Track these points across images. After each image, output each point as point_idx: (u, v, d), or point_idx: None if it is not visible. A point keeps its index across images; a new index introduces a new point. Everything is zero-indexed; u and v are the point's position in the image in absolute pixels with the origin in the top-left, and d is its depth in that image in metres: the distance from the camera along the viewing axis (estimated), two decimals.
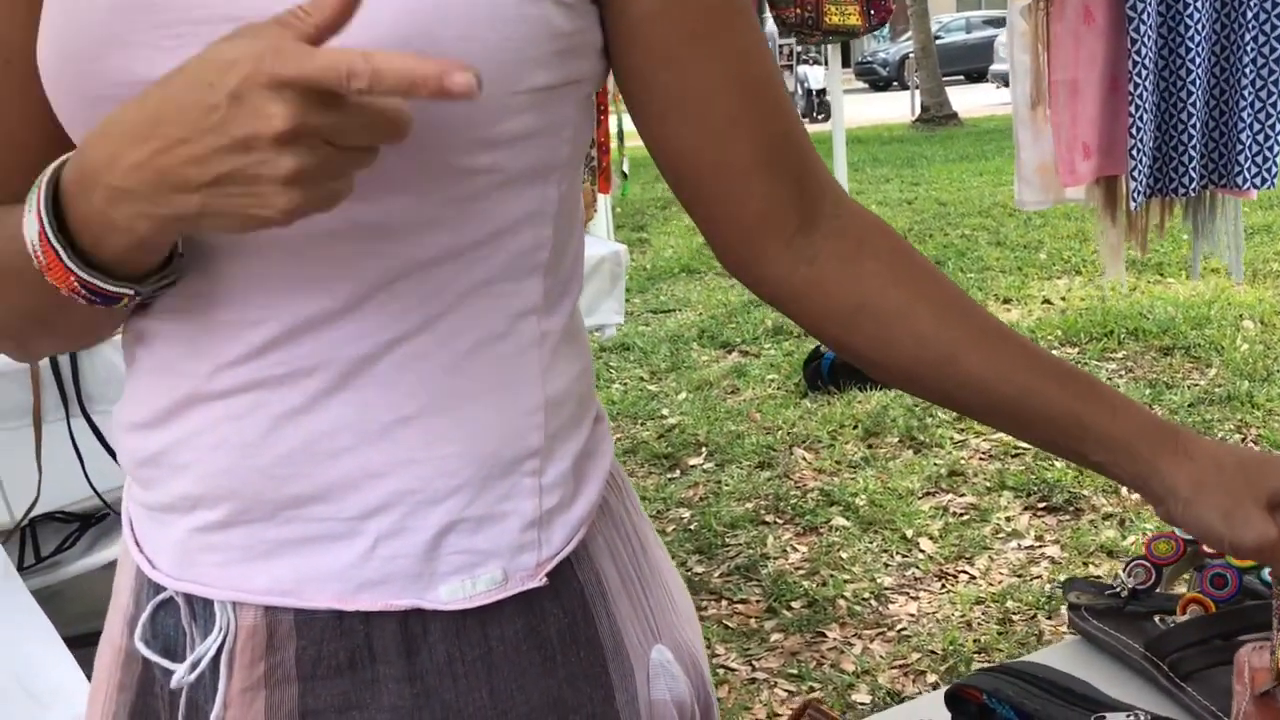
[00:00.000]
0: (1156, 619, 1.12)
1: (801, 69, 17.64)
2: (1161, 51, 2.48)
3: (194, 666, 0.66)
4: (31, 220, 0.56)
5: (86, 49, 0.61)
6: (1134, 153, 2.53)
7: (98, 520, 2.78)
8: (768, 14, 4.30)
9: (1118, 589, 1.17)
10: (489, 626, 0.65)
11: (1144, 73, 2.47)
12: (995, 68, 18.44)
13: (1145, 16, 2.44)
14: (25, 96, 0.66)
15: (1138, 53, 2.46)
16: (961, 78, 22.63)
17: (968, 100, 17.13)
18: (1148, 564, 1.16)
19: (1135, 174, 2.55)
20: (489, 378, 0.65)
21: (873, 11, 4.19)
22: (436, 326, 0.63)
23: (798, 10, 4.02)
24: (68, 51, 0.62)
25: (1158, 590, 1.16)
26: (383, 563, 0.63)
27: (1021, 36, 2.57)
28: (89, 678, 1.84)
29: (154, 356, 0.66)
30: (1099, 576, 2.89)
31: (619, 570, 0.72)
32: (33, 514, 2.43)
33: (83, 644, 2.00)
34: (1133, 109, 2.50)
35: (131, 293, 0.58)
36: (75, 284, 0.56)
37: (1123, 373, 4.33)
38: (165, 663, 0.67)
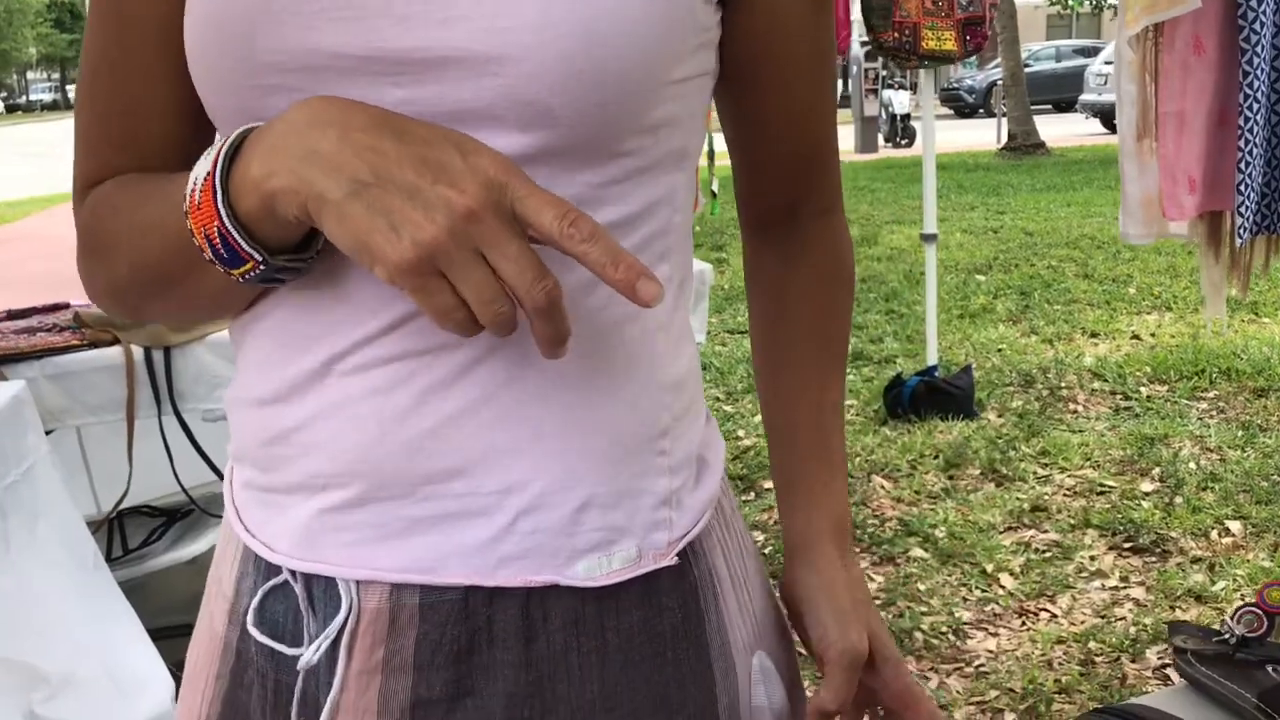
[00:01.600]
0: (1269, 669, 1.08)
1: (886, 94, 17.51)
2: (1276, 85, 2.41)
3: (318, 648, 0.65)
4: (206, 160, 0.58)
5: (247, 19, 0.61)
6: (1241, 188, 2.47)
7: (183, 515, 2.83)
8: (856, 36, 4.27)
9: (1225, 635, 1.13)
10: (606, 617, 0.66)
11: (1255, 106, 2.41)
12: (1085, 98, 18.13)
13: (1260, 49, 2.38)
14: (170, 67, 0.67)
15: (1250, 85, 2.40)
16: (1050, 107, 22.29)
17: (1056, 130, 16.86)
18: (1259, 611, 1.12)
19: (1242, 210, 2.48)
20: (621, 358, 0.66)
21: (968, 38, 4.14)
22: (575, 307, 0.63)
23: (895, 35, 3.99)
24: (228, 18, 0.62)
25: (1269, 639, 1.12)
26: (522, 538, 0.64)
27: (1129, 66, 2.52)
28: (170, 671, 1.87)
29: (284, 330, 0.66)
30: (1186, 621, 2.81)
31: (729, 568, 0.73)
32: (121, 507, 2.48)
33: (164, 636, 2.04)
34: (1242, 143, 2.44)
35: (260, 259, 0.59)
36: (215, 229, 0.58)
37: (1214, 413, 4.21)
38: (280, 646, 0.67)
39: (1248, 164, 2.45)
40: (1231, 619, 1.10)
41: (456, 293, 0.54)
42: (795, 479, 0.81)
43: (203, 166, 0.58)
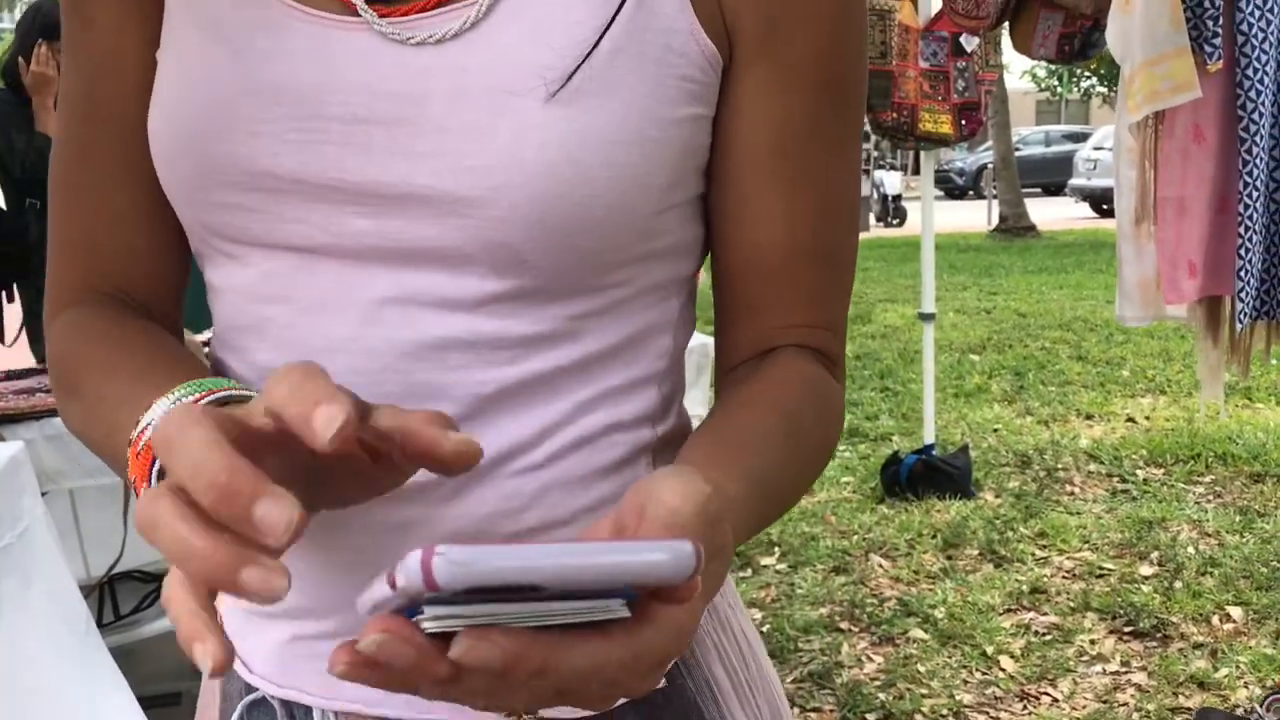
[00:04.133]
0: None
1: (878, 174, 17.76)
2: (1274, 173, 2.45)
3: None
4: (161, 406, 0.53)
5: (208, 131, 0.59)
6: (1241, 274, 2.49)
7: None
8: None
9: None
10: None
11: (1255, 194, 2.44)
12: (1074, 182, 18.38)
13: (1259, 138, 2.42)
14: (133, 172, 0.65)
15: (1249, 173, 2.43)
16: (1039, 190, 22.58)
17: (1046, 213, 17.06)
18: None
19: (1242, 295, 2.50)
20: (603, 485, 0.64)
21: (964, 122, 4.20)
22: (553, 437, 0.62)
23: (894, 115, 4.05)
24: (189, 130, 0.60)
25: None
26: None
27: (1128, 152, 2.55)
28: None
29: None
30: (1190, 709, 2.77)
31: (729, 673, 0.70)
32: (113, 571, 2.44)
33: (154, 704, 1.99)
34: (1242, 230, 2.47)
35: None
36: (150, 477, 0.52)
37: (1211, 497, 4.20)
38: None
39: (1247, 250, 2.47)
40: (1261, 706, 1.09)
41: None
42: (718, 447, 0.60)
43: (159, 410, 0.53)
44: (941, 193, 24.46)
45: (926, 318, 4.30)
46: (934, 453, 4.31)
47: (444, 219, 0.57)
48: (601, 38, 0.57)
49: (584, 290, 0.61)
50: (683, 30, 0.60)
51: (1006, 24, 3.60)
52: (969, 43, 4.09)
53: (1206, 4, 2.41)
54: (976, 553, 3.73)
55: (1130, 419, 5.32)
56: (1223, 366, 2.74)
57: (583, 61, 0.57)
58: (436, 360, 0.60)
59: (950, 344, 7.20)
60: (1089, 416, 5.40)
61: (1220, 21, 2.41)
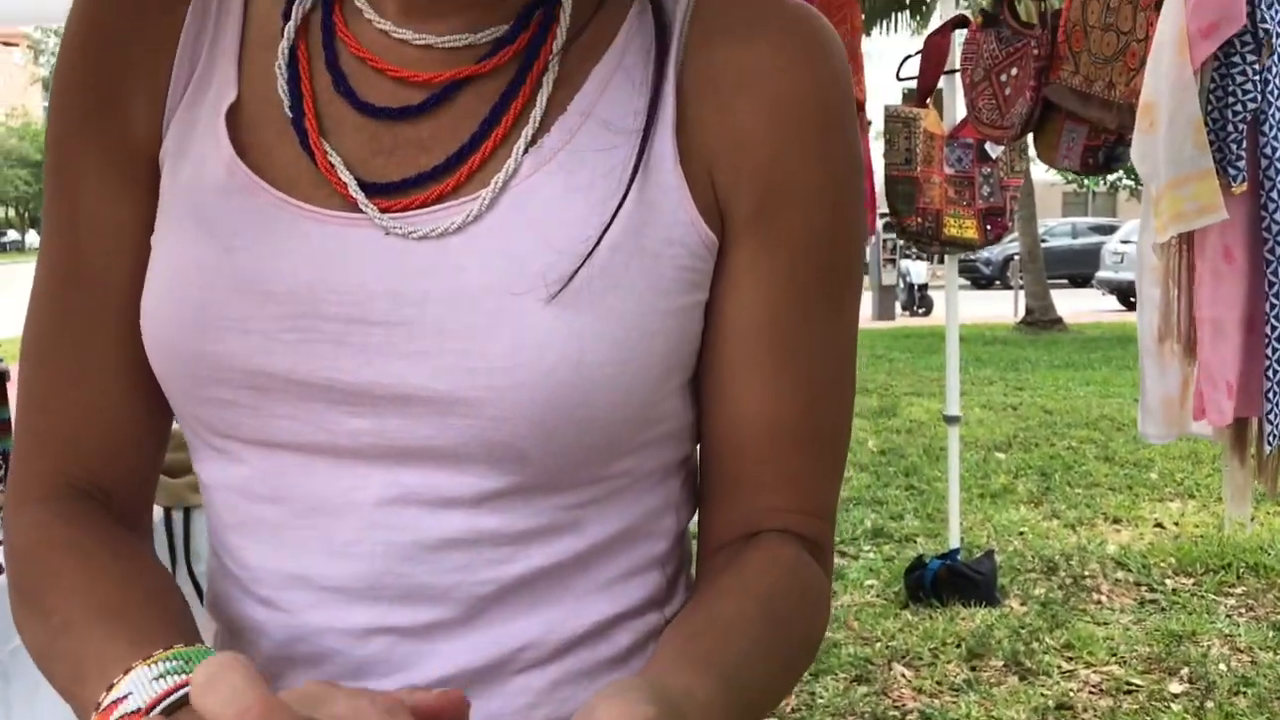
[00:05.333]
0: None
1: (904, 263, 17.81)
2: None
3: None
4: (140, 695, 0.49)
5: (200, 326, 0.58)
6: (1270, 395, 2.47)
7: None
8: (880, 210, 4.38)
9: None
10: None
11: None
12: (1102, 274, 18.37)
13: None
14: (117, 342, 0.63)
15: (1276, 294, 2.43)
16: (1066, 281, 22.57)
17: (1073, 305, 17.03)
18: None
19: (1270, 417, 2.48)
20: (614, 675, 0.63)
21: (989, 227, 4.22)
22: (557, 632, 0.61)
23: (918, 220, 4.07)
24: (180, 323, 0.59)
25: None
26: None
27: (1152, 271, 2.55)
28: None
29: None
30: None
31: None
32: None
33: None
34: (1269, 351, 2.45)
35: None
36: None
37: (1243, 610, 4.11)
38: None
39: (1275, 371, 2.46)
40: None
41: None
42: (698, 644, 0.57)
43: (137, 682, 0.49)
44: (968, 282, 24.47)
45: (951, 420, 4.28)
46: (959, 557, 4.26)
47: (443, 418, 0.57)
48: (601, 238, 0.57)
49: (584, 481, 0.60)
50: (683, 222, 0.60)
51: (1030, 134, 3.63)
52: (994, 149, 4.13)
53: (1230, 128, 2.43)
54: (1001, 664, 3.66)
55: (1159, 524, 5.24)
56: (1250, 487, 2.70)
57: (583, 263, 0.57)
58: (435, 562, 0.59)
59: (976, 440, 7.15)
60: (1116, 521, 5.33)
61: (1244, 145, 2.42)
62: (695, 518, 0.71)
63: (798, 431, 0.64)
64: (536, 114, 0.60)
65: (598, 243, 0.57)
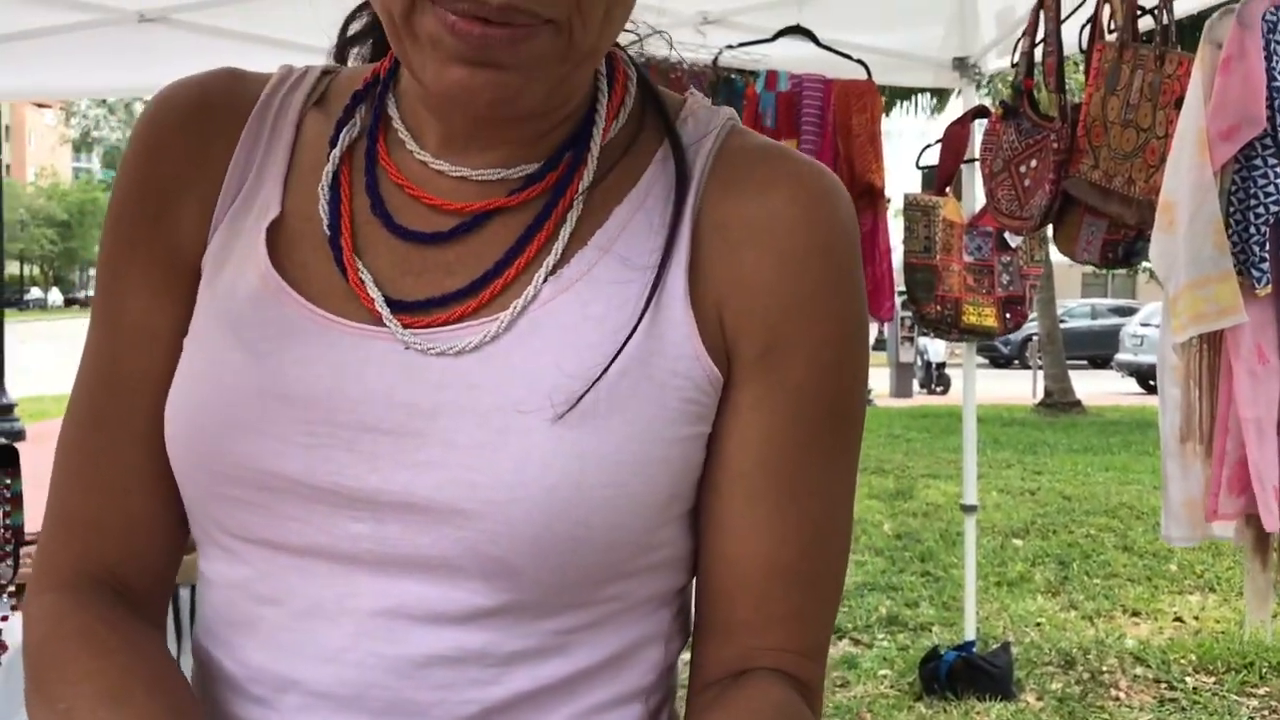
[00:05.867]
0: None
1: (922, 341, 17.80)
2: None
3: None
4: None
5: (220, 427, 0.61)
6: None
7: None
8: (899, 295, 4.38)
9: None
10: None
11: None
12: (1121, 357, 18.33)
13: None
14: (147, 449, 0.65)
15: None
16: (1085, 362, 22.51)
17: (1092, 386, 16.95)
18: None
19: None
20: None
21: (1008, 316, 4.21)
22: None
23: (937, 308, 4.07)
24: (200, 423, 0.62)
25: None
26: None
27: (1173, 371, 2.53)
28: None
29: None
30: None
31: None
32: None
33: None
34: None
35: None
36: None
37: (1266, 712, 4.02)
38: None
39: None
40: None
41: None
42: None
43: None
44: (986, 360, 24.45)
45: (969, 509, 4.24)
46: (975, 649, 4.18)
47: (439, 528, 0.58)
48: (610, 364, 0.59)
49: (576, 605, 0.61)
50: (689, 355, 0.62)
51: (1050, 226, 3.64)
52: (1014, 239, 4.13)
53: (1252, 230, 2.42)
54: None
55: (1178, 618, 5.15)
56: (1271, 590, 2.66)
57: (591, 387, 0.58)
58: (421, 678, 0.60)
59: (993, 526, 7.07)
60: (1135, 613, 5.24)
61: (1267, 247, 2.41)
62: (686, 649, 0.71)
63: (796, 573, 0.65)
64: (559, 246, 0.62)
65: (607, 368, 0.59)
